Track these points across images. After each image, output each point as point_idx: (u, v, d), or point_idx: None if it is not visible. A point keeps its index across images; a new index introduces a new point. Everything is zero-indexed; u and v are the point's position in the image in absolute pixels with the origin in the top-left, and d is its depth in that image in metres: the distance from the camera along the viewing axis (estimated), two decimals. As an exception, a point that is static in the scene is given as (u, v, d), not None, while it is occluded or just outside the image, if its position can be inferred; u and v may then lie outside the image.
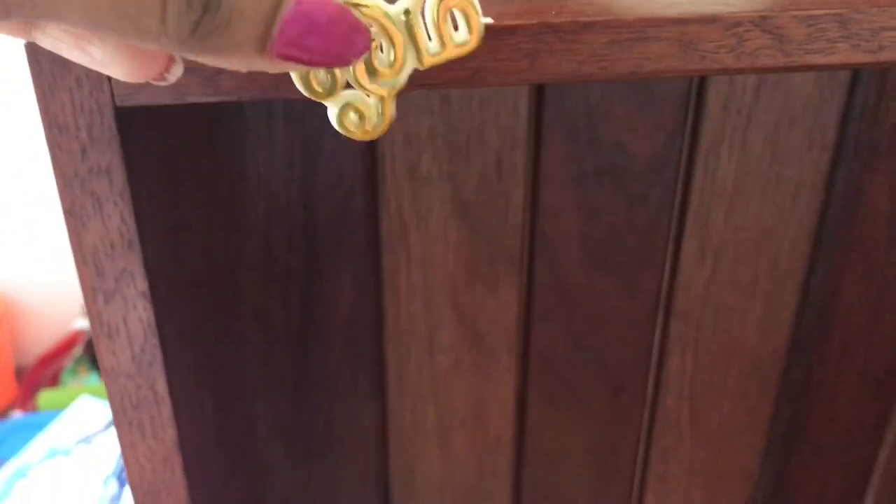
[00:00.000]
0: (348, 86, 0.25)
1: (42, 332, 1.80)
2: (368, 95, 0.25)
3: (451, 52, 0.26)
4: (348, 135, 0.26)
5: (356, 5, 0.23)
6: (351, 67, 0.24)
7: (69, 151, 0.28)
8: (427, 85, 0.29)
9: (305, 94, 0.25)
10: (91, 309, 0.31)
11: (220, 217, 0.53)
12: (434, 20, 0.25)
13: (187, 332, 0.39)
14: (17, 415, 1.65)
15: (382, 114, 0.26)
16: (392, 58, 0.25)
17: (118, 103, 0.28)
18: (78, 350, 1.71)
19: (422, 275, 0.62)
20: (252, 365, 0.63)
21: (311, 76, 0.25)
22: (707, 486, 0.76)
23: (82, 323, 1.78)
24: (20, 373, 1.78)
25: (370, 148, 0.57)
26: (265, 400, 0.65)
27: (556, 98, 0.57)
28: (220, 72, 0.28)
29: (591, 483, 0.74)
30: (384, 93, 0.25)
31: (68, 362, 1.70)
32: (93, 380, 1.68)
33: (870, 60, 0.31)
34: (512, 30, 0.29)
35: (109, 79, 0.27)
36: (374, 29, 0.24)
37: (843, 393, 0.74)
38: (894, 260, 0.67)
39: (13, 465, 1.32)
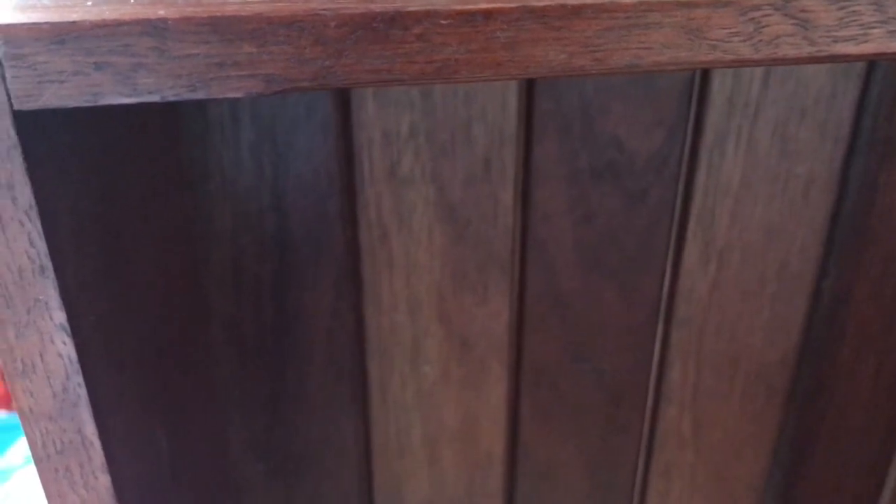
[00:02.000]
0: None
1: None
2: None
3: None
4: None
5: None
6: None
7: (-41, 164, 0.24)
8: (389, 81, 0.25)
9: None
10: (1, 344, 0.27)
11: (179, 226, 0.49)
12: None
13: (130, 362, 0.35)
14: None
15: None
16: None
17: (16, 106, 0.23)
18: (63, 350, 1.67)
19: (405, 282, 0.58)
20: (223, 382, 0.59)
21: None
22: (711, 501, 0.72)
23: (67, 322, 1.74)
24: (4, 373, 1.74)
25: (346, 147, 0.52)
26: (239, 418, 0.61)
27: (548, 91, 0.52)
28: (137, 67, 0.23)
29: (588, 500, 0.69)
30: None
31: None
32: (78, 381, 1.63)
33: (909, 49, 0.26)
34: (487, 15, 0.24)
35: (3, 78, 0.23)
36: None
37: (856, 400, 0.69)
38: (911, 261, 0.62)
39: (-8, 471, 1.28)
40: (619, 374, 0.65)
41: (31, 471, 1.29)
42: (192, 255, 0.53)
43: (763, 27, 0.26)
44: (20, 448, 1.35)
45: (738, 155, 0.57)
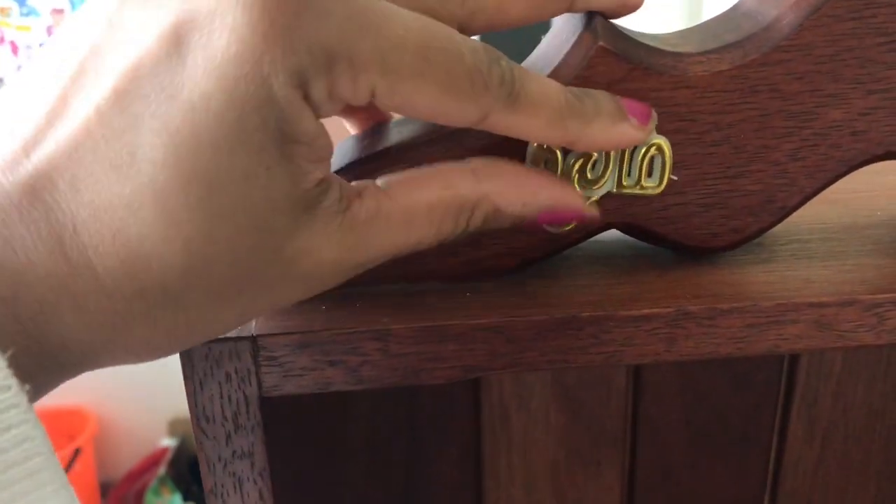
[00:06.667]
0: None
1: (129, 449, 1.83)
2: None
3: (639, 190, 0.30)
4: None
5: None
6: (570, 169, 0.29)
7: (214, 438, 0.29)
8: (562, 367, 0.30)
9: None
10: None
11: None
12: (638, 161, 0.29)
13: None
14: (101, 536, 1.66)
15: None
16: (599, 174, 0.29)
17: (264, 394, 0.29)
18: (162, 469, 1.73)
19: (522, 458, 0.62)
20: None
21: (541, 167, 0.29)
22: None
23: (168, 441, 1.81)
24: (106, 489, 1.81)
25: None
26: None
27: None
28: (363, 363, 0.29)
29: None
30: (583, 197, 0.29)
31: (152, 481, 1.72)
32: (176, 500, 1.69)
33: None
34: (648, 317, 0.29)
35: (258, 374, 0.28)
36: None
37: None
38: None
39: None
40: (725, 545, 0.66)
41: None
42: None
43: (886, 319, 0.30)
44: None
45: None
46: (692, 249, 0.31)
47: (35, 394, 0.22)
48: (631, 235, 0.32)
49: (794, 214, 0.32)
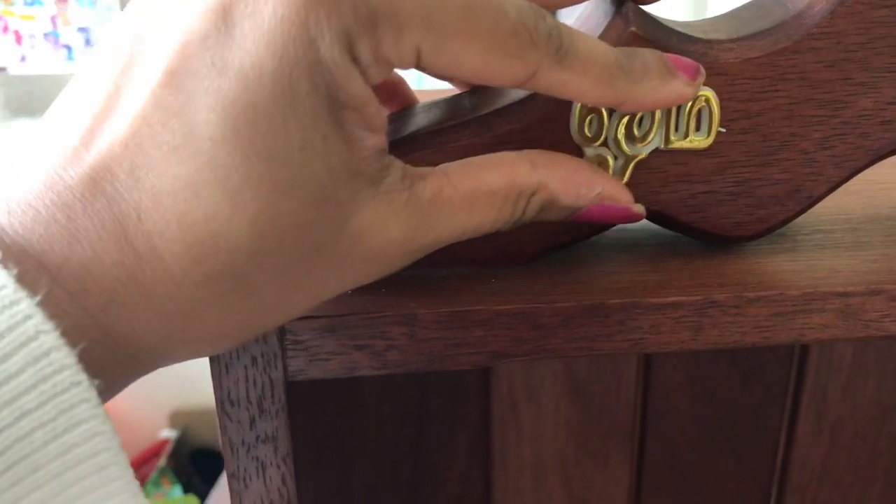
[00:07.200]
0: (604, 144, 0.29)
1: (129, 440, 1.82)
2: (616, 158, 0.29)
3: (688, 144, 0.30)
4: None
5: None
6: (615, 126, 0.29)
7: (238, 422, 0.29)
8: (588, 354, 0.30)
9: (574, 136, 0.29)
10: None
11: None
12: (685, 114, 0.29)
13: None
14: (101, 527, 1.66)
15: (619, 175, 0.30)
16: (646, 131, 0.29)
17: (289, 378, 0.28)
18: (162, 461, 1.73)
19: (531, 449, 0.62)
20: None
21: (586, 125, 0.29)
22: None
23: (168, 433, 1.81)
24: (105, 481, 1.80)
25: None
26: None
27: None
28: (389, 347, 0.29)
29: None
30: (630, 155, 0.29)
31: (152, 472, 1.71)
32: (175, 492, 1.69)
33: None
34: (676, 305, 0.29)
35: (283, 358, 0.28)
36: None
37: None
38: None
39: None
40: (732, 539, 0.66)
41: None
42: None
43: (912, 310, 0.30)
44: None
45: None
46: (718, 238, 0.31)
47: (111, 389, 0.22)
48: (657, 223, 0.32)
49: (817, 205, 0.32)
